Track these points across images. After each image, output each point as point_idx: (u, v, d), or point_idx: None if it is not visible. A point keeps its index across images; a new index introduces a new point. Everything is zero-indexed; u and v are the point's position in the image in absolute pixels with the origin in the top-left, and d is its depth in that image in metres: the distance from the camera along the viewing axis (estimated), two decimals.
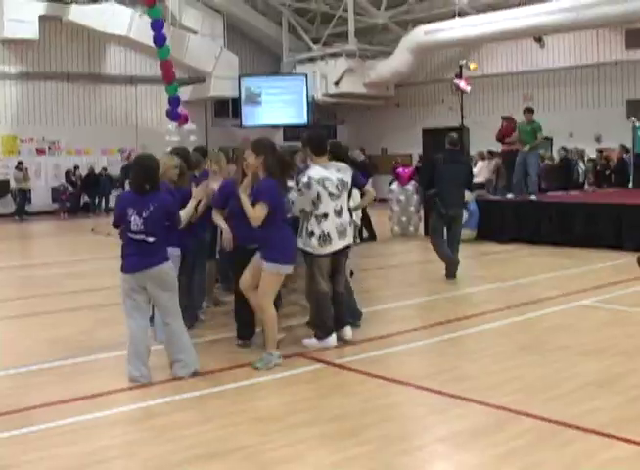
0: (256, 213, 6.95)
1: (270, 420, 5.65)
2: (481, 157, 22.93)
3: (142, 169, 6.89)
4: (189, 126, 17.06)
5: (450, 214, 12.07)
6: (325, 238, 7.65)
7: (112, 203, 30.41)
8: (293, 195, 7.72)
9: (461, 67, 22.65)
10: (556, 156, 24.77)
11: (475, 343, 8.07)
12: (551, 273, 12.28)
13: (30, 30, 28.72)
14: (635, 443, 5.01)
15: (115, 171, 32.08)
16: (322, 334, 7.91)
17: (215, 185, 8.26)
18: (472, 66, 24.33)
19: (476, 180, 20.50)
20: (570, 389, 6.24)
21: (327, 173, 7.77)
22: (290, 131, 32.54)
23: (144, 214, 6.66)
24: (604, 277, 11.72)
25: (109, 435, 5.53)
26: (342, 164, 8.09)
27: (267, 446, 5.10)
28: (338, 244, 7.74)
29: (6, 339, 8.76)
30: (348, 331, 8.07)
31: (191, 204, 7.31)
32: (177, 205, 7.15)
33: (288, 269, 7.19)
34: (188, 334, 7.07)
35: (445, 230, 12.39)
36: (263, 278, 7.07)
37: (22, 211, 28.52)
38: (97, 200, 31.01)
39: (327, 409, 5.85)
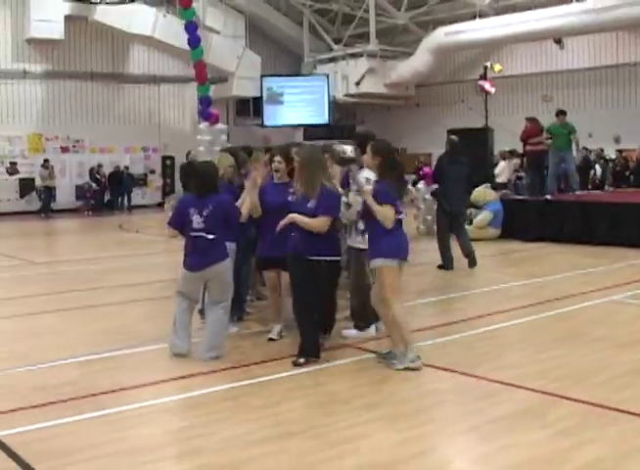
0: (388, 215, 6.96)
1: (333, 404, 6.05)
2: (503, 157, 23.26)
3: (200, 176, 7.57)
4: (220, 126, 17.43)
5: (454, 210, 13.16)
6: None
7: (134, 201, 31.05)
8: (344, 198, 7.99)
9: (485, 68, 22.97)
10: (576, 156, 25.06)
11: (513, 335, 8.47)
12: (578, 270, 12.65)
13: (56, 30, 29.31)
14: None
15: (138, 170, 32.64)
16: (364, 325, 8.34)
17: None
18: (497, 68, 24.64)
19: (498, 180, 20.94)
20: (608, 377, 6.65)
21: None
22: (310, 131, 33.00)
23: (204, 213, 7.29)
24: (630, 275, 12.10)
25: (184, 417, 5.94)
26: None
27: (334, 427, 5.50)
28: None
29: (59, 330, 9.15)
30: (382, 325, 8.48)
31: (250, 197, 7.73)
32: (234, 202, 7.65)
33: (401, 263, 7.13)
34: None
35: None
36: (380, 274, 7.12)
37: (48, 208, 28.98)
38: (120, 198, 31.49)
39: (385, 394, 6.26)
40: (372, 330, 8.36)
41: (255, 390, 6.48)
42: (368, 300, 8.21)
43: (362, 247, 8.05)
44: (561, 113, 17.67)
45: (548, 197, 17.13)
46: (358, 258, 8.28)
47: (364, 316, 8.36)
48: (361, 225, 8.00)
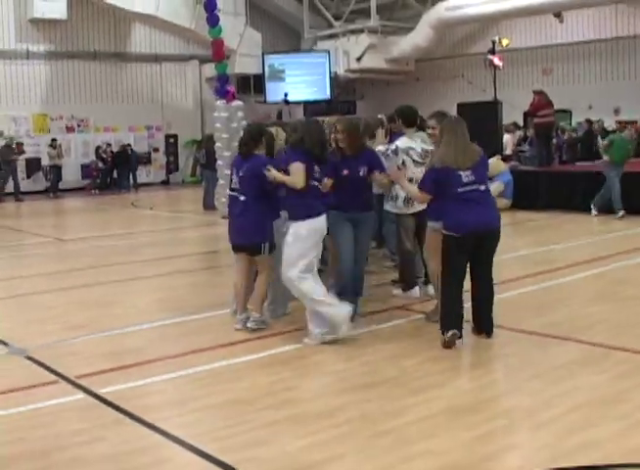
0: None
1: (402, 358, 6.62)
2: (507, 130, 23.71)
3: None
4: (236, 102, 17.88)
5: None
6: (408, 200, 8.56)
7: (139, 179, 31.46)
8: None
9: (494, 42, 23.35)
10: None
11: (549, 295, 9.03)
12: (596, 237, 13.27)
13: (59, 10, 29.47)
14: None
15: (142, 148, 32.96)
16: (406, 286, 8.96)
17: None
18: (504, 42, 24.95)
19: (505, 152, 21.49)
20: None
21: (412, 143, 8.72)
22: (310, 106, 33.37)
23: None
24: None
25: (267, 373, 6.42)
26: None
27: (410, 377, 6.09)
28: (418, 206, 8.57)
29: (113, 301, 9.64)
30: (431, 289, 9.03)
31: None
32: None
33: None
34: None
35: None
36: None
37: (56, 187, 29.29)
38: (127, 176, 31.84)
39: (447, 350, 6.76)
40: (414, 292, 8.93)
41: (324, 348, 7.00)
42: (407, 263, 8.86)
43: (397, 211, 8.69)
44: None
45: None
46: (398, 222, 8.89)
47: (406, 278, 8.98)
48: (396, 190, 8.55)
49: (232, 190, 7.74)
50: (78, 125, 31.83)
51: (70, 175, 30.97)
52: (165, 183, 33.68)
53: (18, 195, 26.77)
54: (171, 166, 34.25)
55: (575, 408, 5.32)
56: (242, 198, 7.54)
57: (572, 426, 5.02)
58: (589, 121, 24.75)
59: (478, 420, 5.22)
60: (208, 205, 19.70)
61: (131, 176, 31.65)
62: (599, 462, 4.48)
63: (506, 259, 11.43)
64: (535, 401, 5.48)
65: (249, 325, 7.62)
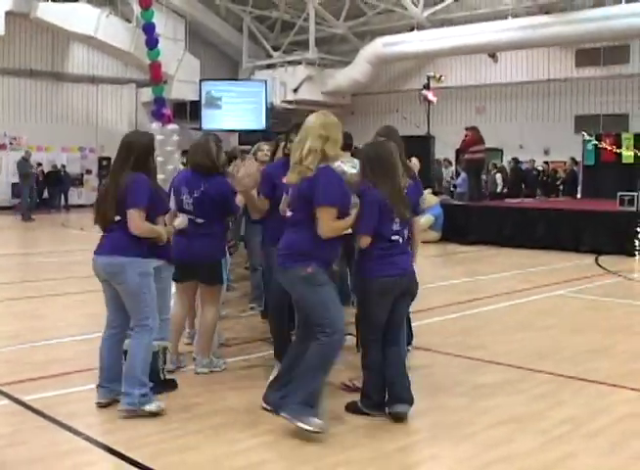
0: None
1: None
2: (439, 165, 24.19)
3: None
4: (172, 126, 17.87)
5: None
6: None
7: (70, 200, 31.15)
8: None
9: (429, 78, 23.79)
10: (507, 166, 26.32)
11: (474, 322, 9.26)
12: (521, 270, 13.58)
13: None
14: (634, 390, 6.36)
15: (74, 169, 32.67)
16: None
17: None
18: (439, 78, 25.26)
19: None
20: (569, 355, 7.55)
21: (345, 167, 8.86)
22: (245, 136, 33.44)
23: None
24: (570, 273, 13.10)
25: (195, 385, 6.44)
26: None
27: (333, 393, 6.12)
28: None
29: (43, 314, 9.62)
30: None
31: None
32: None
33: None
34: None
35: None
36: None
37: None
38: (58, 197, 31.52)
39: None
40: None
41: (253, 363, 7.09)
42: None
43: None
44: None
45: None
46: None
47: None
48: None
49: (182, 211, 6.67)
50: (10, 143, 31.44)
51: (0, 194, 30.53)
52: None
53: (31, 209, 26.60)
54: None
55: (497, 425, 5.47)
56: (199, 220, 6.57)
57: (493, 441, 5.16)
58: (516, 161, 25.46)
59: (401, 433, 5.34)
60: None
61: (63, 197, 31.39)
62: None
63: (435, 288, 11.71)
64: (458, 417, 5.61)
65: (199, 371, 6.82)
